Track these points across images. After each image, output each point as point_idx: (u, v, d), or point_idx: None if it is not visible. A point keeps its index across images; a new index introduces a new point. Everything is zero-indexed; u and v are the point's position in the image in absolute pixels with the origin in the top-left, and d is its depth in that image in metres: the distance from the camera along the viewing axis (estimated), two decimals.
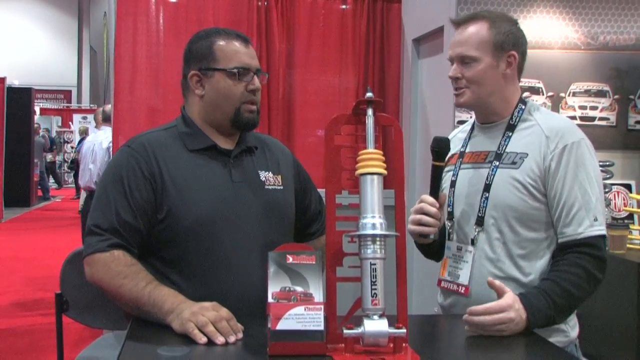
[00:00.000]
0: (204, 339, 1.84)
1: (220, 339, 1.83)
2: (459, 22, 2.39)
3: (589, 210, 2.18)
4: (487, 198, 2.30)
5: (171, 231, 2.18)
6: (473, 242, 2.33)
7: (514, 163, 2.27)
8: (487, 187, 2.30)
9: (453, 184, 2.43)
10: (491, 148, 2.36)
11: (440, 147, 2.30)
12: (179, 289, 2.12)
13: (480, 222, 2.31)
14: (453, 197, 2.42)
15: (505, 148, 2.31)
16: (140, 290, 2.04)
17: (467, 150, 2.45)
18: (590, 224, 2.18)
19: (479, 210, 2.32)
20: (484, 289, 2.29)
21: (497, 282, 2.08)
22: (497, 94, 2.34)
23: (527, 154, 2.26)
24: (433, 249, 2.43)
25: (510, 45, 2.31)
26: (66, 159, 21.41)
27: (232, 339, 1.84)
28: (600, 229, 2.19)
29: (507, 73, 2.33)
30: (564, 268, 2.16)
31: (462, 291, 2.34)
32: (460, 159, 2.45)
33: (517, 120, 2.34)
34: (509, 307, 2.00)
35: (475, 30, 2.32)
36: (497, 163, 2.30)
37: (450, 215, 2.43)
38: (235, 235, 2.22)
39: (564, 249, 2.20)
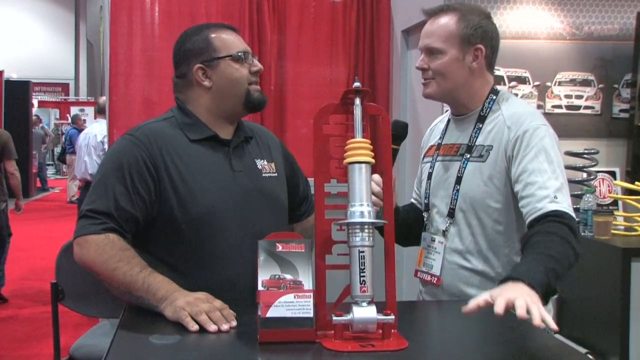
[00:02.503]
0: (195, 327, 1.85)
1: (212, 327, 1.85)
2: (429, 13, 2.39)
3: (548, 190, 2.13)
4: (458, 191, 2.32)
5: (176, 220, 2.20)
6: (444, 234, 2.36)
7: (481, 156, 2.29)
8: (458, 180, 2.32)
9: (430, 176, 2.45)
10: (463, 140, 2.37)
11: (397, 131, 2.28)
12: (182, 276, 2.14)
13: (451, 214, 2.34)
14: (429, 189, 2.45)
15: (476, 141, 2.33)
16: (135, 275, 2.05)
17: (443, 143, 2.47)
18: (550, 201, 2.11)
19: (451, 202, 2.34)
20: (454, 280, 2.34)
21: (471, 307, 1.77)
22: (463, 87, 2.34)
23: (492, 147, 2.28)
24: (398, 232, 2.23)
25: (477, 39, 2.31)
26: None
27: (224, 327, 1.86)
28: (560, 205, 2.10)
29: (474, 66, 2.32)
30: (533, 239, 2.04)
31: (435, 281, 2.37)
32: (437, 151, 2.47)
33: (487, 111, 2.35)
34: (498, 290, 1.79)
35: (444, 22, 2.33)
36: (468, 156, 2.32)
37: (426, 207, 2.46)
38: (237, 223, 2.25)
39: (530, 227, 2.13)
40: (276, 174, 2.43)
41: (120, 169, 2.19)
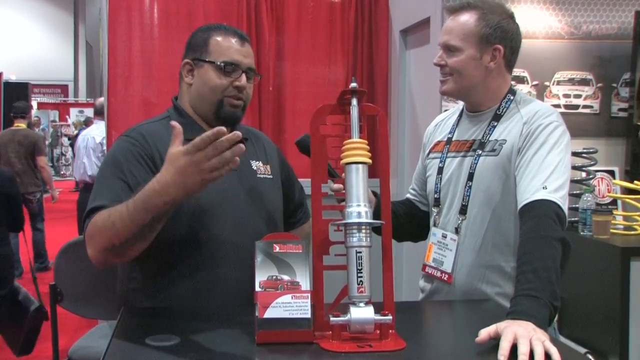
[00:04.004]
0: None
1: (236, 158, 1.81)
2: (451, 10, 2.39)
3: (539, 180, 2.12)
4: (470, 187, 2.32)
5: (170, 219, 2.17)
6: (457, 231, 2.36)
7: (493, 150, 2.29)
8: (470, 176, 2.32)
9: (440, 170, 2.44)
10: (477, 137, 2.37)
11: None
12: (178, 273, 2.15)
13: (463, 211, 2.33)
14: (440, 184, 2.44)
15: (489, 137, 2.32)
16: (126, 211, 1.96)
17: (454, 138, 2.46)
18: (536, 190, 2.11)
19: (463, 199, 2.34)
20: (467, 278, 2.33)
21: (483, 337, 1.74)
22: (480, 86, 2.34)
23: (506, 140, 2.28)
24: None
25: (496, 38, 2.30)
26: (63, 152, 21.43)
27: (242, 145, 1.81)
28: (548, 195, 2.09)
29: (491, 66, 2.32)
30: (526, 249, 2.01)
31: (446, 278, 2.37)
32: (448, 146, 2.46)
33: (504, 110, 2.35)
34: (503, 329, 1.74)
35: (464, 20, 2.32)
36: (480, 152, 2.32)
37: (437, 202, 2.45)
38: (230, 222, 2.25)
39: (520, 216, 2.13)
40: (271, 176, 2.43)
41: (118, 166, 2.19)
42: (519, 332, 1.68)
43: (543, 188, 2.11)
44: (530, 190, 2.12)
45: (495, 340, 1.70)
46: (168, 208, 1.94)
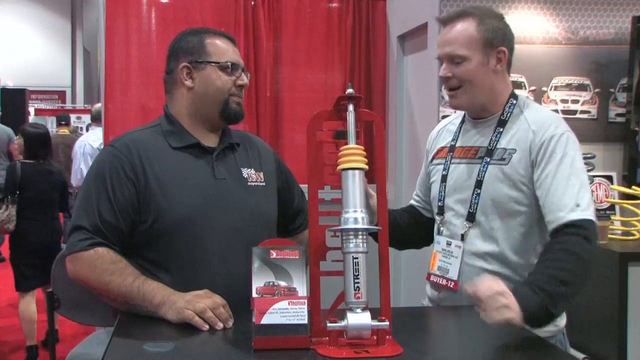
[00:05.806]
0: (205, 326, 1.91)
1: (219, 325, 1.91)
2: (445, 20, 2.36)
3: (571, 197, 2.12)
4: (478, 194, 2.29)
5: (156, 229, 2.20)
6: (463, 238, 2.34)
7: (502, 159, 2.27)
8: (478, 184, 2.30)
9: (444, 178, 2.42)
10: (482, 144, 2.35)
11: None
12: (170, 283, 2.14)
13: (471, 218, 2.31)
14: (444, 192, 2.42)
15: (496, 144, 2.31)
16: (129, 285, 2.09)
17: (457, 145, 2.44)
18: (571, 209, 2.11)
19: (470, 206, 2.31)
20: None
21: (471, 290, 1.91)
22: (489, 91, 2.33)
23: (515, 150, 2.26)
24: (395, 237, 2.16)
25: (499, 41, 2.29)
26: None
27: (229, 323, 1.93)
28: (583, 214, 2.11)
29: (497, 69, 2.31)
30: (546, 256, 2.09)
31: (452, 286, 2.34)
32: (451, 153, 2.44)
33: (508, 115, 2.33)
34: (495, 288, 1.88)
35: (463, 28, 2.30)
36: (488, 159, 2.30)
37: (441, 210, 2.43)
38: (218, 231, 2.24)
39: (551, 237, 2.16)
40: (263, 184, 2.41)
41: (102, 181, 2.22)
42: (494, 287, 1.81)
43: (577, 206, 2.12)
44: (562, 209, 2.13)
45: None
46: (149, 309, 2.08)
